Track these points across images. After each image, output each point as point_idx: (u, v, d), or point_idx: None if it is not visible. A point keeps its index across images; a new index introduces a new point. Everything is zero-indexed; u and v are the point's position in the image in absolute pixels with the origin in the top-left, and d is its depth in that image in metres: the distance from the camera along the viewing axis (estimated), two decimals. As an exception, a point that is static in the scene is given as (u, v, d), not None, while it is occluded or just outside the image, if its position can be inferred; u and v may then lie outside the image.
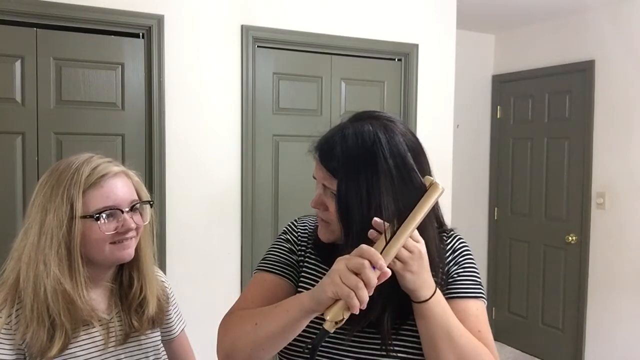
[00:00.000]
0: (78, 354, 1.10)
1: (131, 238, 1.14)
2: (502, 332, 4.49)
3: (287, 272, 1.07)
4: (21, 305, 1.07)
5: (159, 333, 1.26)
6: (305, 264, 1.09)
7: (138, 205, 1.16)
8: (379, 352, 0.96)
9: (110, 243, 1.11)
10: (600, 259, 3.73)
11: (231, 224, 2.80)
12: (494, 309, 4.55)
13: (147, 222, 1.18)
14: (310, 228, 1.13)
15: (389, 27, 3.16)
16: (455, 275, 1.01)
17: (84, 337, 1.11)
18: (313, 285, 1.02)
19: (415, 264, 0.86)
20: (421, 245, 0.87)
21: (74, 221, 1.07)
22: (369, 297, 0.79)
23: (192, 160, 2.68)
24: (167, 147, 2.61)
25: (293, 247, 1.11)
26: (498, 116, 4.45)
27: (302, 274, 1.08)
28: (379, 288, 0.81)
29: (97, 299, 1.16)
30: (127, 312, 1.18)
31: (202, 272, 2.72)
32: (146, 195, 1.19)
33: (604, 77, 3.69)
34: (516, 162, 4.35)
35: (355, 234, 0.92)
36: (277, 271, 1.07)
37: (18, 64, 2.36)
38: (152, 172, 2.58)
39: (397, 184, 0.90)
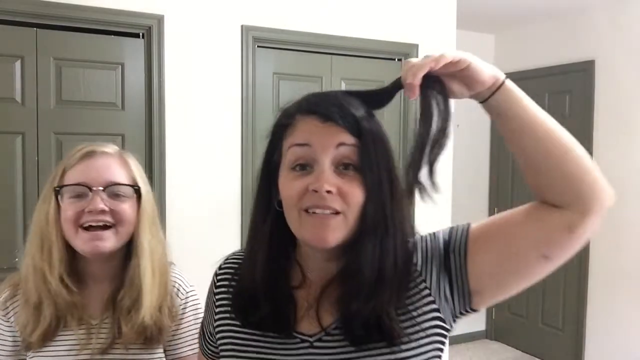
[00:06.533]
0: (54, 353, 1.06)
1: (104, 227, 1.03)
2: (502, 332, 4.50)
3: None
4: (20, 293, 1.09)
5: (146, 357, 1.11)
6: (221, 325, 0.88)
7: (121, 190, 1.06)
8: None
9: (85, 230, 1.03)
10: (600, 259, 3.73)
11: (231, 223, 2.79)
12: (494, 309, 4.55)
13: (129, 210, 1.06)
14: (230, 275, 0.92)
15: (389, 27, 3.16)
16: (439, 241, 0.84)
17: (61, 338, 1.07)
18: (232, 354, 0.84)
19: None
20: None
21: (51, 199, 1.05)
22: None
23: (192, 160, 2.68)
24: (167, 147, 2.61)
25: (211, 316, 0.93)
26: (498, 116, 4.45)
27: (220, 337, 0.88)
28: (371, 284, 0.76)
29: (88, 297, 1.10)
30: (117, 316, 1.08)
31: (202, 272, 2.71)
32: (140, 183, 1.09)
33: (604, 77, 3.69)
34: (516, 162, 4.33)
35: (377, 200, 0.77)
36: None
37: (18, 64, 2.36)
38: (152, 172, 2.57)
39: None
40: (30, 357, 1.07)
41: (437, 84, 0.74)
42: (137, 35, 2.56)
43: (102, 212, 1.03)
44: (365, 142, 0.76)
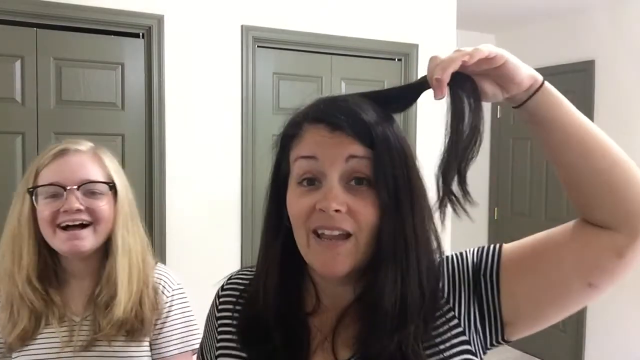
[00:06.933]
0: (36, 352, 1.06)
1: (82, 226, 1.02)
2: (502, 332, 4.50)
3: None
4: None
5: (133, 353, 1.09)
6: (223, 355, 0.79)
7: (96, 188, 1.05)
8: None
9: (62, 229, 1.02)
10: (600, 259, 3.73)
11: (231, 224, 2.79)
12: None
13: (106, 207, 1.05)
14: (235, 297, 0.82)
15: (389, 27, 3.16)
16: (466, 263, 0.75)
17: (43, 336, 1.06)
18: None
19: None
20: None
21: (25, 201, 1.04)
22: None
23: (192, 160, 2.68)
24: (167, 147, 2.61)
25: (212, 341, 0.83)
26: (498, 116, 4.45)
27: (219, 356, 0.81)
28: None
29: (70, 295, 1.10)
30: (97, 313, 1.07)
31: (202, 272, 2.71)
32: (115, 179, 1.08)
33: (604, 77, 3.69)
34: (516, 162, 4.35)
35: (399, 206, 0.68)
36: None
37: (18, 64, 2.36)
38: (152, 172, 2.57)
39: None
40: (15, 357, 1.06)
41: (468, 83, 0.65)
42: (137, 35, 2.56)
43: (78, 211, 1.02)
44: (379, 152, 0.67)
